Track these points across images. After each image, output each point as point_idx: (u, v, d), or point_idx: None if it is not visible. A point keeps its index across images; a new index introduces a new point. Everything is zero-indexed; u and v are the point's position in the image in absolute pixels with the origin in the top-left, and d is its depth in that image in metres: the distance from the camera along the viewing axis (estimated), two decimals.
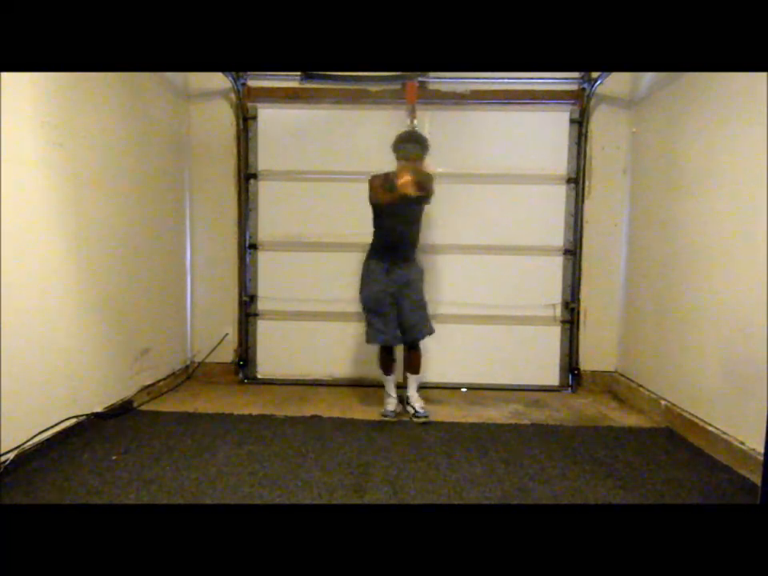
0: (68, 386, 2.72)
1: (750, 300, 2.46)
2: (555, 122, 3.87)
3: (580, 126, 3.83)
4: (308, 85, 3.86)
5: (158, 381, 3.60)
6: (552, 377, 3.96)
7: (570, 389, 3.92)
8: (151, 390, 3.48)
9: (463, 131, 3.87)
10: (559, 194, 3.90)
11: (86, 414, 2.84)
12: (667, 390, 3.21)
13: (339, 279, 3.91)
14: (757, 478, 2.20)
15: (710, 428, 2.72)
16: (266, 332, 4.05)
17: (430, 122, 3.82)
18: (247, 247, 3.99)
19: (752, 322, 2.45)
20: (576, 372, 3.94)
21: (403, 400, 3.29)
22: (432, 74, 3.81)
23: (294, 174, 3.93)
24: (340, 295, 3.90)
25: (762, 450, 1.83)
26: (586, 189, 3.88)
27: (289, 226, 3.97)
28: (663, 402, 3.19)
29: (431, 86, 3.84)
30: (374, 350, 3.38)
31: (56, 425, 2.60)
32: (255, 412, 3.25)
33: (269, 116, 3.94)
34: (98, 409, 2.96)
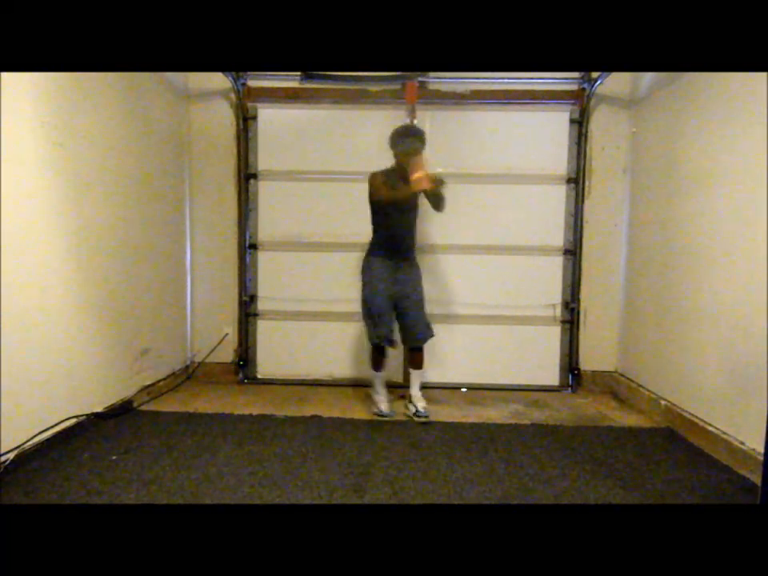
0: (68, 386, 2.72)
1: (750, 300, 2.46)
2: (555, 122, 3.87)
3: (580, 125, 3.83)
4: (308, 85, 3.86)
5: (158, 381, 3.60)
6: (552, 377, 3.96)
7: (570, 389, 3.92)
8: (151, 390, 3.48)
9: (463, 131, 3.87)
10: (559, 194, 3.90)
11: (86, 414, 2.84)
12: (667, 390, 3.21)
13: (339, 279, 3.91)
14: (757, 478, 2.20)
15: (710, 428, 2.72)
16: (266, 332, 4.05)
17: (430, 122, 3.81)
18: (247, 247, 3.99)
19: (752, 322, 2.45)
20: (576, 372, 3.94)
21: (406, 397, 3.30)
22: (432, 74, 3.81)
23: (294, 173, 3.93)
24: (340, 295, 3.90)
25: (762, 449, 1.83)
26: (586, 189, 3.88)
27: (289, 226, 3.97)
28: (663, 402, 3.19)
29: (431, 86, 3.84)
30: None
31: (56, 425, 2.60)
32: (255, 412, 3.25)
33: (269, 116, 3.94)
34: (98, 409, 2.96)
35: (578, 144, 3.84)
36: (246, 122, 3.91)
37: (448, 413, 3.32)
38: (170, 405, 3.38)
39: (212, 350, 4.02)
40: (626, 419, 3.27)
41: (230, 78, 3.78)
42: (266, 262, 4.02)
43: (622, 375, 3.84)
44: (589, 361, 3.97)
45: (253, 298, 4.02)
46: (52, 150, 2.57)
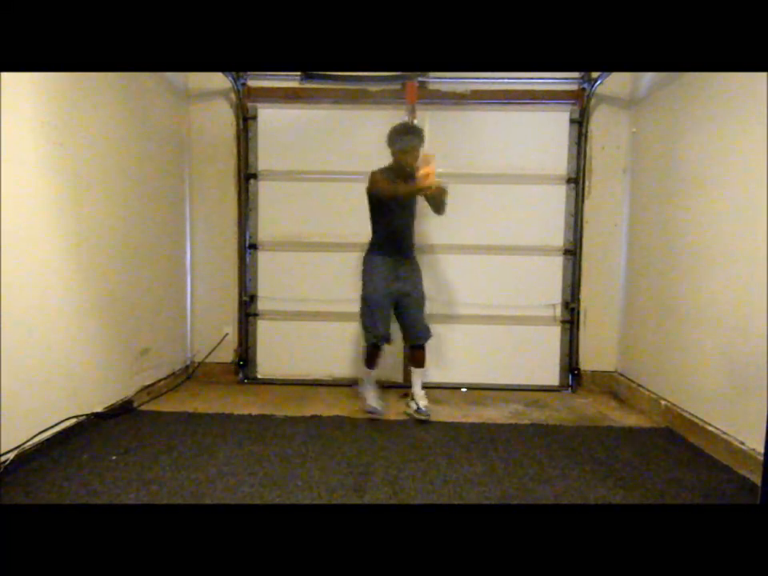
0: (68, 386, 2.72)
1: (749, 300, 2.46)
2: (555, 122, 3.87)
3: (580, 125, 3.83)
4: (308, 85, 3.86)
5: (158, 381, 3.60)
6: (552, 377, 3.96)
7: (569, 389, 3.92)
8: (151, 390, 3.48)
9: (463, 131, 3.87)
10: (559, 194, 3.90)
11: (86, 414, 2.84)
12: (667, 390, 3.21)
13: (339, 279, 3.91)
14: (757, 478, 2.20)
15: (710, 428, 2.72)
16: (266, 332, 4.05)
17: (430, 122, 3.81)
18: (247, 247, 3.99)
19: (752, 323, 2.45)
20: (576, 372, 3.94)
21: (408, 395, 3.30)
22: (432, 74, 3.81)
23: (293, 173, 3.93)
24: (340, 295, 3.90)
25: (762, 449, 1.83)
26: (586, 189, 3.88)
27: (289, 226, 3.97)
28: (663, 402, 3.19)
29: (431, 86, 3.84)
30: None
31: (56, 425, 2.60)
32: (255, 412, 3.25)
33: (269, 116, 3.94)
34: (98, 409, 2.96)
35: (578, 144, 3.84)
36: (245, 122, 3.91)
37: (448, 413, 3.32)
38: (170, 405, 3.38)
39: (212, 350, 4.02)
40: (626, 419, 3.27)
41: (229, 78, 3.78)
42: (265, 262, 4.02)
43: (622, 375, 3.84)
44: (589, 361, 3.97)
45: (253, 298, 4.02)
46: (52, 150, 2.57)
